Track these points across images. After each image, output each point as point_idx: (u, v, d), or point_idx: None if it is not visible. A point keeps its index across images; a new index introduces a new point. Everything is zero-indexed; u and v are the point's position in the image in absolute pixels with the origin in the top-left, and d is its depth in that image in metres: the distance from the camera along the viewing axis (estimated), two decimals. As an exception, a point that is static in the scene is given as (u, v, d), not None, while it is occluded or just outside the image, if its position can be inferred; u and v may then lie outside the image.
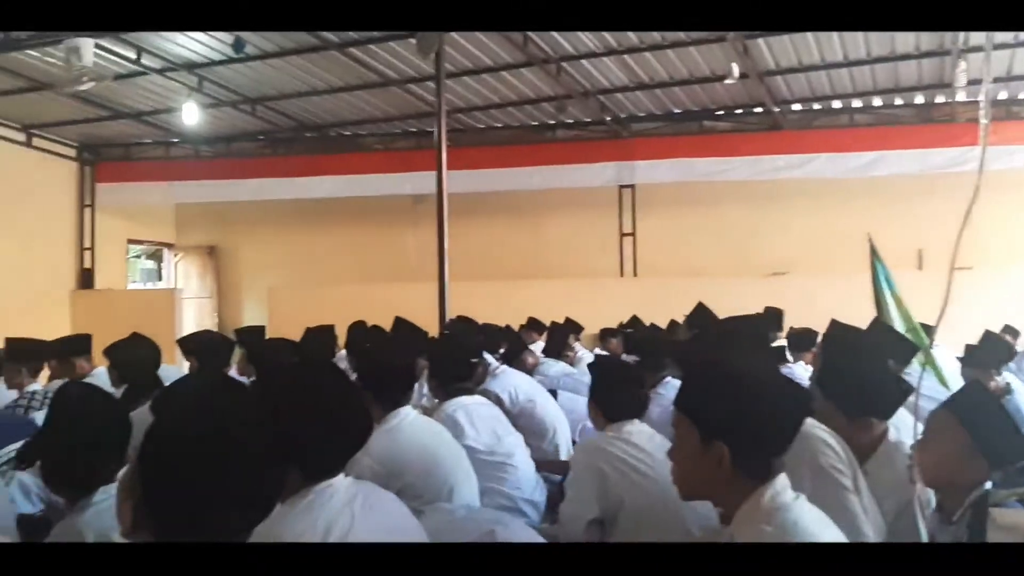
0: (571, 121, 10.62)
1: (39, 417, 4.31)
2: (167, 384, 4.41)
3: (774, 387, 1.83)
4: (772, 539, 1.63)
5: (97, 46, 7.46)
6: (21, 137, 10.86)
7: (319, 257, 12.32)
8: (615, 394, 3.04)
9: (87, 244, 11.92)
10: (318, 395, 1.92)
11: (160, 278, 13.62)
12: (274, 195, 11.45)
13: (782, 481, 1.75)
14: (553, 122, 10.63)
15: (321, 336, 6.31)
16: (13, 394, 4.93)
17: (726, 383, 1.82)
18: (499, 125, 10.88)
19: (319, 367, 2.15)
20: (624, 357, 4.35)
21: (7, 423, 3.75)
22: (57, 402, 2.25)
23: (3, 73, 8.83)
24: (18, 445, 3.35)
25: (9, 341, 5.37)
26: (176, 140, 11.54)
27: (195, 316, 12.60)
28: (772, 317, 7.08)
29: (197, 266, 13.35)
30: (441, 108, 7.39)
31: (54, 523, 2.25)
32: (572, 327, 8.33)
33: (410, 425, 3.07)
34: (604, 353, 8.18)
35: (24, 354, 5.18)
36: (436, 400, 3.93)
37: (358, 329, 6.54)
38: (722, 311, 6.43)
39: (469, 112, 10.25)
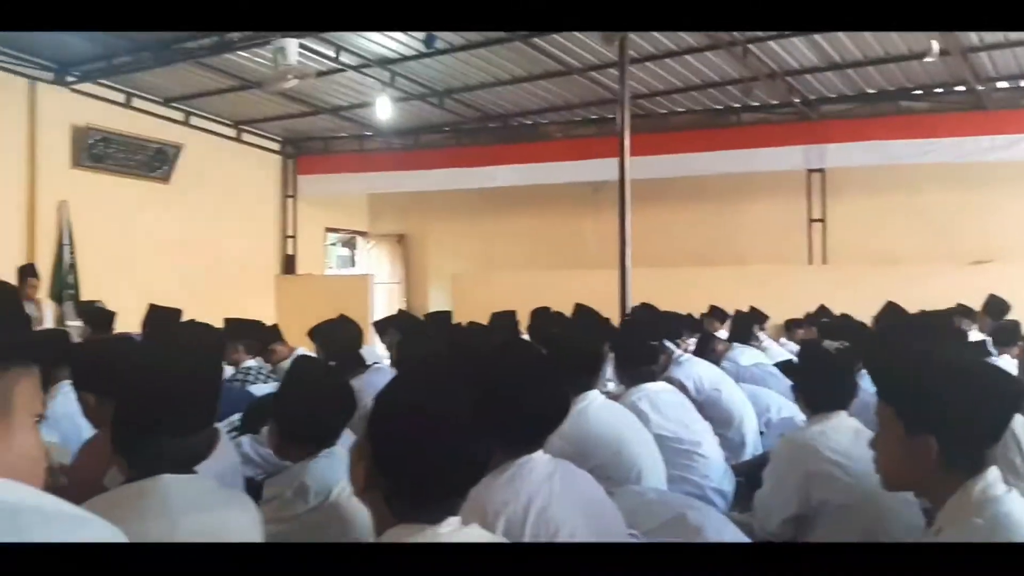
0: (757, 104, 10.33)
1: (255, 389, 4.70)
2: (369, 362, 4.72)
3: (983, 377, 1.76)
4: (983, 532, 1.57)
5: (301, 46, 7.98)
6: (232, 133, 11.76)
7: (501, 244, 12.63)
8: (821, 383, 2.91)
9: (290, 232, 12.77)
10: (521, 374, 2.02)
11: (354, 264, 14.38)
12: (459, 184, 11.82)
13: (993, 473, 1.68)
14: (738, 105, 10.38)
15: (504, 321, 6.49)
16: (230, 370, 5.39)
17: (933, 374, 1.76)
18: (682, 110, 10.74)
19: (522, 348, 2.26)
20: (826, 344, 4.20)
21: (229, 395, 4.10)
22: (293, 373, 2.50)
23: (217, 73, 9.60)
24: (239, 415, 3.69)
25: (228, 321, 5.86)
26: (370, 133, 12.13)
27: (385, 301, 13.21)
28: (965, 311, 6.67)
29: (388, 253, 14.00)
30: (624, 94, 7.40)
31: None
32: (757, 316, 8.12)
33: (598, 408, 3.13)
34: (792, 344, 7.95)
35: (241, 333, 5.63)
36: (622, 385, 3.98)
37: (541, 314, 6.67)
38: (918, 302, 6.11)
39: (652, 98, 10.18)
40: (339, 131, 12.18)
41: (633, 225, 7.41)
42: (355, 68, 9.26)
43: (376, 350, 6.80)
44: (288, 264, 12.75)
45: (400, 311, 8.59)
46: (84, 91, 9.75)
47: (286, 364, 5.75)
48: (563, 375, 2.21)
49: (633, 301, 7.25)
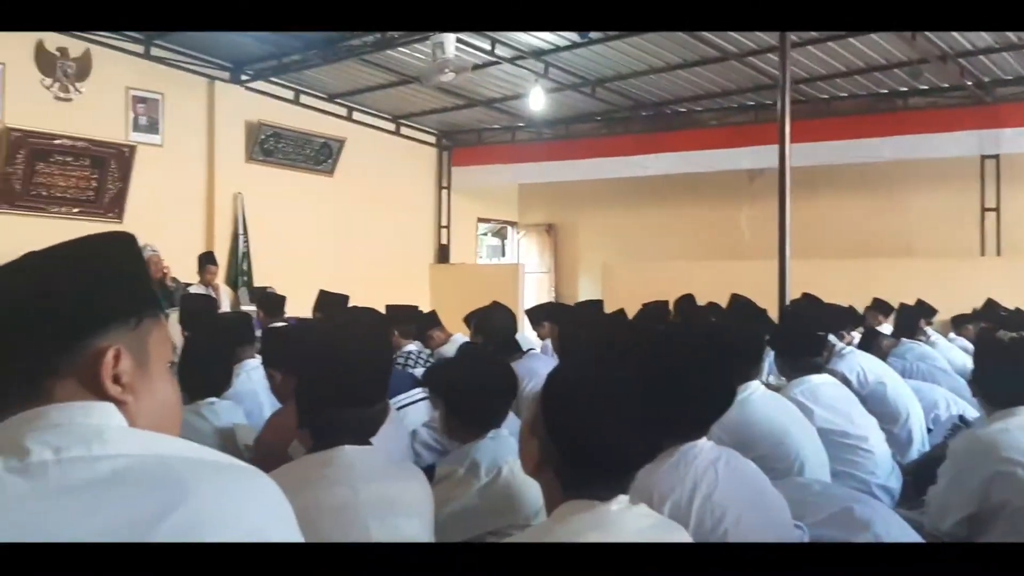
0: (926, 87, 9.79)
1: (417, 372, 4.88)
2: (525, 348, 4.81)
3: None
4: None
5: (458, 40, 8.18)
6: (391, 127, 12.18)
7: (652, 234, 12.52)
8: (1003, 377, 2.72)
9: (444, 222, 13.11)
10: (688, 360, 2.03)
11: (504, 254, 14.61)
12: (610, 174, 11.79)
13: None
14: (906, 89, 9.87)
15: (656, 311, 6.45)
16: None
17: None
18: (844, 95, 10.31)
19: (688, 335, 2.27)
20: (1001, 333, 3.96)
21: (392, 378, 4.29)
22: (460, 358, 2.61)
23: (378, 69, 9.97)
24: (402, 396, 3.86)
25: (389, 308, 6.10)
26: (521, 124, 12.28)
27: (535, 290, 13.36)
28: None
29: (537, 243, 14.15)
30: (785, 79, 7.18)
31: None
32: (924, 310, 7.73)
33: (760, 399, 3.09)
34: (961, 340, 7.53)
35: (401, 318, 5.86)
36: (783, 378, 3.89)
37: (687, 302, 6.60)
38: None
39: (813, 82, 9.83)
40: (492, 123, 12.39)
41: (792, 214, 7.19)
42: (510, 60, 9.40)
43: (528, 337, 6.92)
44: (442, 253, 13.10)
45: (550, 301, 8.69)
46: (257, 89, 10.37)
47: (444, 349, 5.95)
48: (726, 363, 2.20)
49: (792, 293, 7.05)
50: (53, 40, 8.75)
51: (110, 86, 9.19)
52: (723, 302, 6.44)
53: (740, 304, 6.11)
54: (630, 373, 1.53)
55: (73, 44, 8.88)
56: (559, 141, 12.21)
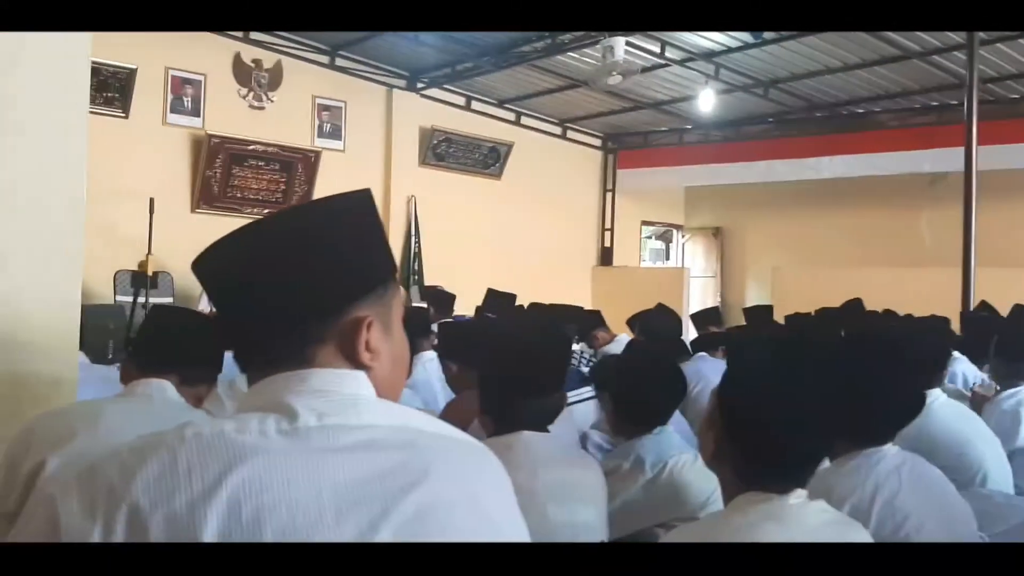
0: None
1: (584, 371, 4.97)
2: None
3: None
4: None
5: (627, 43, 8.21)
6: (558, 131, 12.35)
7: (823, 238, 12.08)
8: None
9: (607, 225, 13.15)
10: (870, 366, 2.02)
11: (667, 258, 14.49)
12: (781, 177, 11.48)
13: None
14: (1112, 85, 9.13)
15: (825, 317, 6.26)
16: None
17: None
18: (1039, 93, 9.62)
19: (867, 345, 2.25)
20: None
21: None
22: (630, 356, 2.67)
23: (546, 74, 10.15)
24: (571, 393, 3.95)
25: (553, 307, 6.22)
26: (689, 127, 12.16)
27: (699, 294, 13.19)
28: None
29: (703, 247, 13.95)
30: (973, 79, 6.81)
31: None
32: None
33: (940, 407, 2.98)
34: None
35: (566, 318, 5.96)
36: (995, 386, 3.72)
37: (854, 308, 6.35)
38: None
39: (1002, 81, 9.23)
40: (659, 125, 12.33)
41: (978, 220, 6.80)
42: (679, 62, 9.35)
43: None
44: (605, 256, 13.15)
45: (713, 307, 8.58)
46: (431, 96, 10.78)
47: (607, 349, 6.01)
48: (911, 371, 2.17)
49: (976, 303, 6.67)
50: (249, 52, 9.43)
51: (298, 95, 9.81)
52: (900, 310, 6.17)
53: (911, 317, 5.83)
54: (810, 369, 1.55)
55: (266, 56, 9.54)
56: (728, 143, 12.01)
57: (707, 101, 9.76)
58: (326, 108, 10.13)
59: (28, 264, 2.30)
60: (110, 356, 4.82)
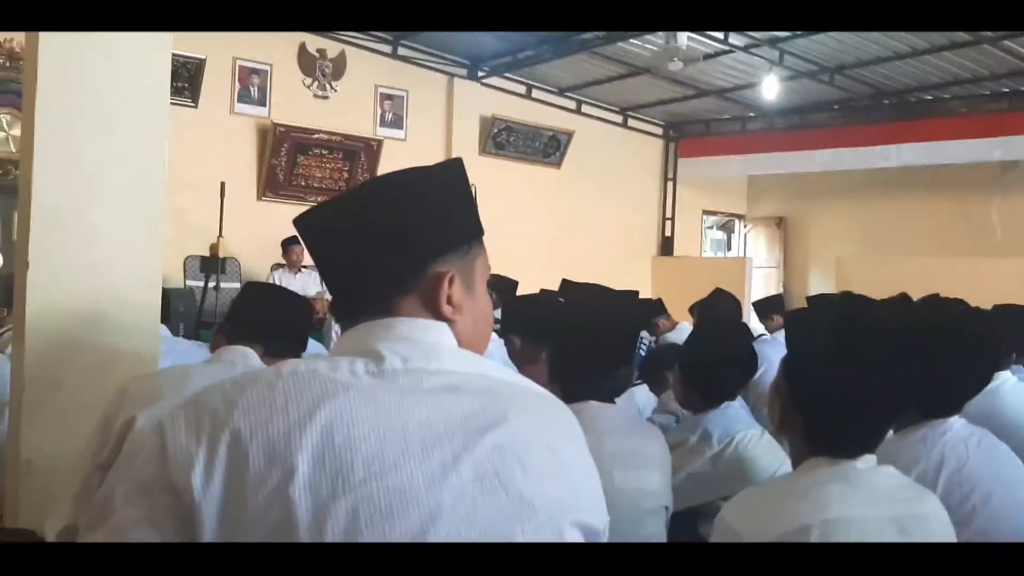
0: None
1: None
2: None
3: None
4: None
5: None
6: (618, 119, 12.32)
7: (890, 228, 11.85)
8: None
9: (668, 215, 13.08)
10: (940, 337, 2.02)
11: (729, 248, 14.36)
12: (847, 165, 11.28)
13: None
14: None
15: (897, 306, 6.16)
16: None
17: None
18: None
19: (945, 315, 2.25)
20: None
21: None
22: (702, 332, 2.71)
23: (607, 61, 10.14)
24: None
25: (613, 293, 6.23)
26: (752, 114, 12.02)
27: (761, 285, 13.04)
28: None
29: (765, 237, 13.79)
30: (1049, 61, 6.62)
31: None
32: None
33: (1010, 390, 2.95)
34: None
35: (626, 304, 5.97)
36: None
37: (933, 302, 6.23)
38: None
39: (1081, 64, 8.96)
40: (721, 113, 12.22)
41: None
42: (743, 49, 9.25)
43: (754, 327, 6.82)
44: (665, 246, 13.08)
45: (776, 295, 8.50)
46: (492, 84, 10.84)
47: (669, 337, 6.01)
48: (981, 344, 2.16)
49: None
50: (313, 42, 9.60)
51: (361, 84, 9.96)
52: (969, 300, 6.04)
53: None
54: (874, 340, 1.56)
55: (330, 45, 9.70)
56: (792, 131, 11.84)
57: (771, 88, 9.64)
58: (388, 97, 10.26)
59: (117, 243, 2.42)
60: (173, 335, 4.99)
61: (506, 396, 1.01)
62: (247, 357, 2.04)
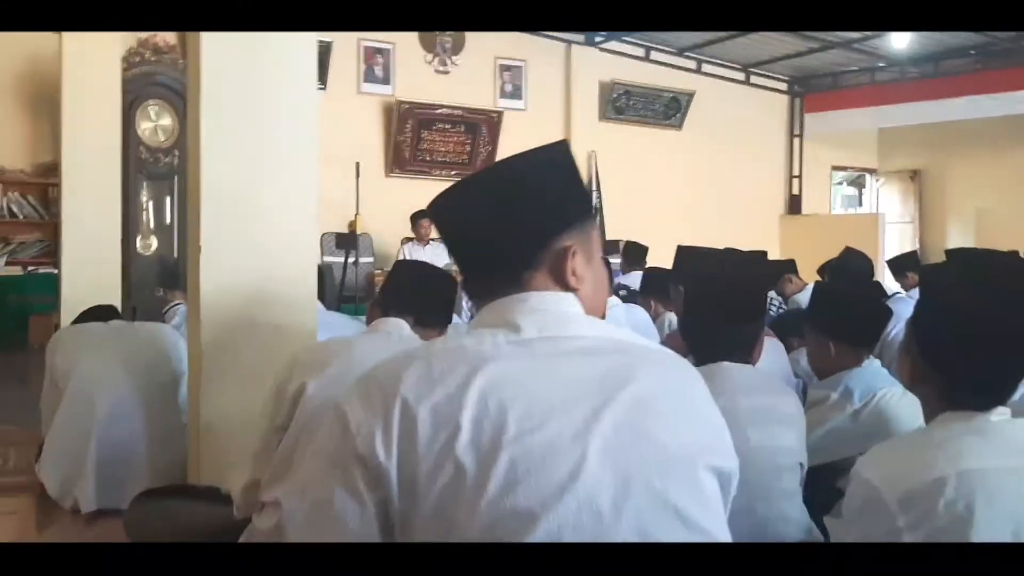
0: None
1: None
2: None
3: None
4: None
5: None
6: (740, 76, 12.06)
7: (1037, 177, 11.22)
8: None
9: (795, 172, 12.75)
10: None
11: (860, 204, 13.89)
12: (987, 112, 10.70)
13: None
14: None
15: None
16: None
17: None
18: None
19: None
20: None
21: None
22: (836, 286, 2.74)
23: (729, 20, 9.92)
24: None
25: (739, 254, 6.19)
26: (882, 65, 11.55)
27: (896, 241, 12.58)
28: None
29: (899, 191, 13.27)
30: None
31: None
32: None
33: None
34: None
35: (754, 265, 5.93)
36: None
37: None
38: None
39: None
40: (849, 65, 11.78)
41: None
42: (870, -3, 8.91)
43: (888, 286, 6.66)
44: (793, 204, 12.77)
45: (910, 252, 8.22)
46: (610, 49, 10.80)
47: (798, 298, 5.94)
48: None
49: None
50: (434, 19, 9.79)
51: (481, 57, 10.12)
52: None
53: None
54: (1006, 289, 1.58)
55: (450, 22, 9.87)
56: (926, 79, 11.30)
57: (902, 36, 9.25)
58: (507, 68, 10.39)
59: (278, 224, 2.65)
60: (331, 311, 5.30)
61: (635, 355, 1.12)
62: (400, 327, 2.22)
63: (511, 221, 1.16)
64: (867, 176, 13.68)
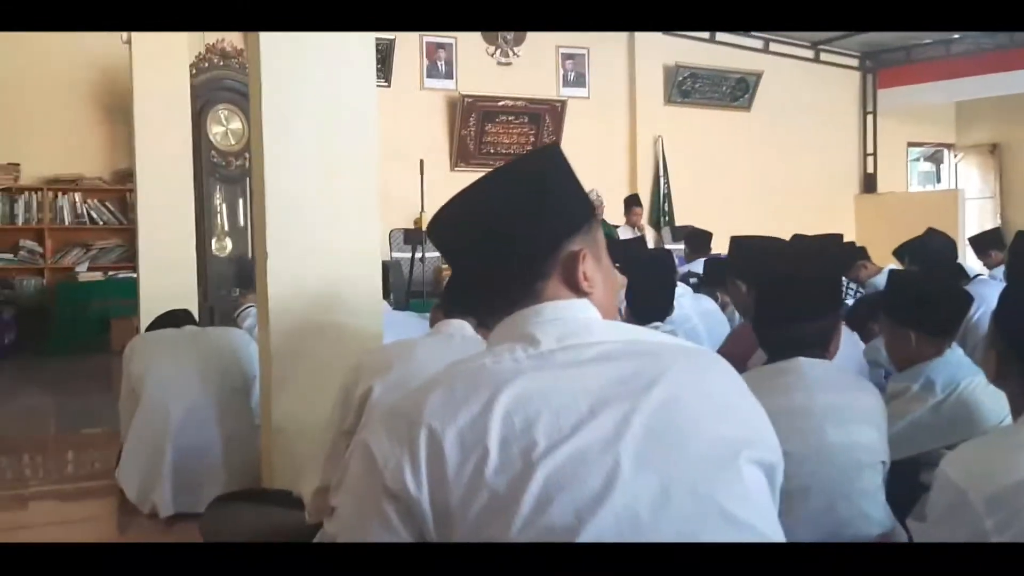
0: None
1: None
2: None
3: None
4: None
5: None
6: (809, 54, 11.76)
7: None
8: None
9: (869, 150, 12.39)
10: None
11: (938, 180, 13.44)
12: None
13: None
14: None
15: None
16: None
17: None
18: None
19: None
20: None
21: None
22: (913, 274, 2.63)
23: (795, -3, 9.67)
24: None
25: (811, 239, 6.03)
26: (957, 36, 11.12)
27: (976, 218, 12.15)
28: None
29: (978, 166, 12.80)
30: None
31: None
32: None
33: None
34: None
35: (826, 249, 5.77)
36: None
37: None
38: None
39: None
40: (922, 38, 11.39)
41: None
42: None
43: (970, 266, 6.42)
44: (868, 183, 12.42)
45: (996, 227, 7.92)
46: (673, 32, 10.62)
47: (874, 282, 5.76)
48: None
49: None
50: (494, 11, 9.77)
51: (542, 47, 10.06)
52: None
53: None
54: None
55: (510, 12, 9.83)
56: (1003, 50, 10.86)
57: (979, 5, 8.89)
58: (569, 57, 10.31)
59: (341, 227, 2.66)
60: (392, 308, 5.35)
61: (659, 356, 1.08)
62: (463, 328, 2.21)
63: (519, 231, 1.13)
64: (944, 151, 13.22)
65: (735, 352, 2.63)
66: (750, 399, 1.12)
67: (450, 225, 1.19)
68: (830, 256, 2.34)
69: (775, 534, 1.04)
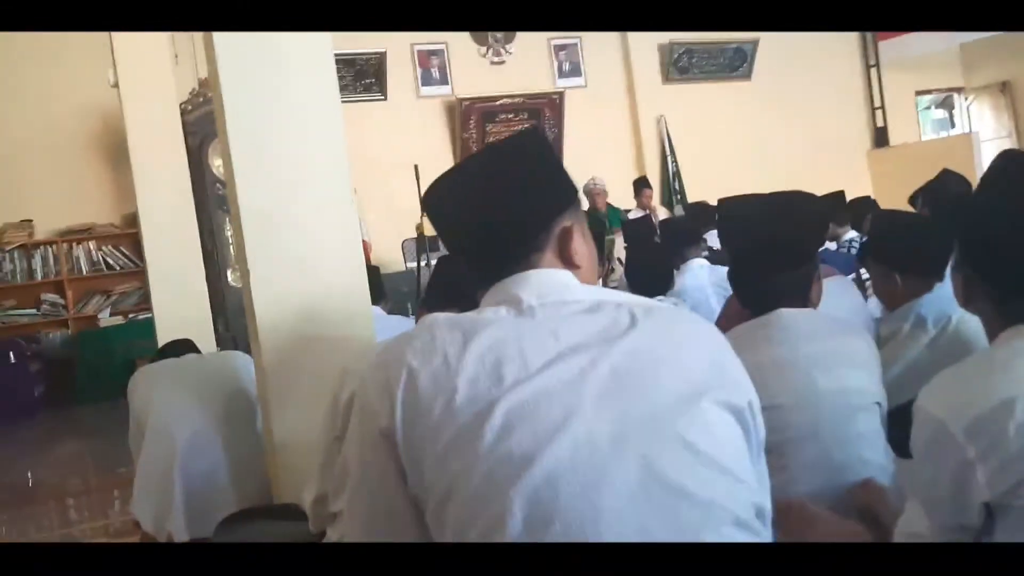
0: None
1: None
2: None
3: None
4: None
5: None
6: (804, 15, 11.60)
7: None
8: None
9: (877, 104, 12.20)
10: None
11: (952, 126, 13.21)
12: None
13: None
14: None
15: None
16: (833, 245, 5.55)
17: None
18: None
19: None
20: None
21: (835, 260, 4.33)
22: (894, 214, 2.60)
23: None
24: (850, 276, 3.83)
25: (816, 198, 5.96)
26: (953, -24, 10.93)
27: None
28: None
29: (990, 106, 12.58)
30: None
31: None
32: None
33: None
34: None
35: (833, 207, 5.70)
36: None
37: None
38: None
39: None
40: (918, -17, 11.20)
41: None
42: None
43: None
44: (879, 137, 12.23)
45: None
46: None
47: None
48: None
49: None
50: (481, 12, 9.77)
51: (534, 41, 10.04)
52: None
53: None
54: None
55: (497, 11, 9.83)
56: (1003, -16, 10.64)
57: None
58: (562, 48, 10.27)
59: (320, 235, 2.65)
60: (411, 316, 5.35)
61: (631, 311, 1.14)
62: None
63: (517, 202, 1.21)
64: (955, 96, 12.99)
65: (727, 328, 2.61)
66: (724, 350, 1.17)
67: (449, 195, 1.25)
68: (799, 207, 2.29)
69: (742, 472, 1.09)
